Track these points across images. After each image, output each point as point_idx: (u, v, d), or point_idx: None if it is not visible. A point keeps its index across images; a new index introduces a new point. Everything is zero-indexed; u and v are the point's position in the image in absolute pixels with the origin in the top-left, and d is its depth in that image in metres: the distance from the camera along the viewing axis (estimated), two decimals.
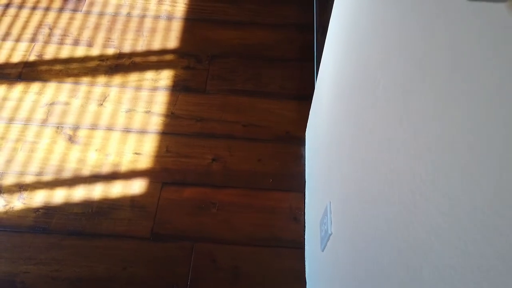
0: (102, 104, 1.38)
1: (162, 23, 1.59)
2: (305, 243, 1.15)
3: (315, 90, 1.14)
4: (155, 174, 1.25)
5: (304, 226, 1.18)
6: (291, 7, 1.64)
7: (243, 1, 1.65)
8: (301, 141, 1.34)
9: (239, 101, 1.42)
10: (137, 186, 1.23)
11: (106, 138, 1.31)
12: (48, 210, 1.18)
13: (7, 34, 1.54)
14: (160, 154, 1.29)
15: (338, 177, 0.76)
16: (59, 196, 1.20)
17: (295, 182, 1.26)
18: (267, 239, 1.16)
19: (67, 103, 1.38)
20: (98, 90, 1.41)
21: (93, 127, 1.34)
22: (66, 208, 1.18)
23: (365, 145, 0.62)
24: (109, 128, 1.33)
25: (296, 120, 1.38)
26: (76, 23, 1.58)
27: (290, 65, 1.51)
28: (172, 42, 1.54)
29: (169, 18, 1.60)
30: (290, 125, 1.37)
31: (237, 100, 1.42)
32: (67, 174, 1.24)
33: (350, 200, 0.68)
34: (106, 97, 1.40)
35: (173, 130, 1.34)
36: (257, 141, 1.34)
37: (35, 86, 1.41)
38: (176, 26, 1.58)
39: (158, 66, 1.48)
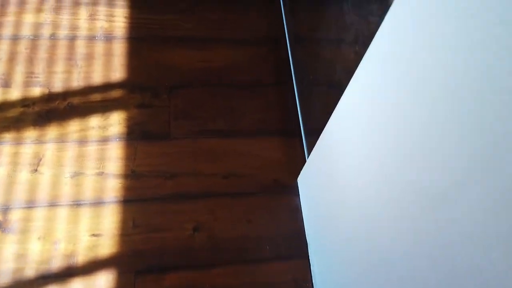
0: (36, 170, 1.06)
1: (99, 46, 1.25)
2: None
3: (324, 132, 0.92)
4: (124, 261, 0.99)
5: None
6: (258, 16, 1.38)
7: (200, 10, 1.35)
8: (293, 189, 1.14)
9: (213, 145, 1.17)
10: (102, 282, 0.96)
11: (50, 218, 1.01)
12: None
13: None
14: (126, 232, 1.02)
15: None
16: None
17: (295, 245, 1.07)
18: None
19: None
20: (28, 149, 1.08)
21: (30, 204, 1.02)
22: None
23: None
24: (52, 204, 1.03)
25: (283, 163, 1.18)
26: None
27: (266, 90, 1.27)
28: (117, 71, 1.22)
29: (108, 38, 1.26)
30: (277, 170, 1.16)
31: (210, 144, 1.17)
32: (3, 278, 0.94)
33: None
34: (40, 159, 1.07)
35: (138, 195, 1.07)
36: (243, 196, 1.12)
37: None
38: (119, 49, 1.25)
39: (104, 107, 1.17)
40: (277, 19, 1.37)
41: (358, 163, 0.75)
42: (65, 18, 1.27)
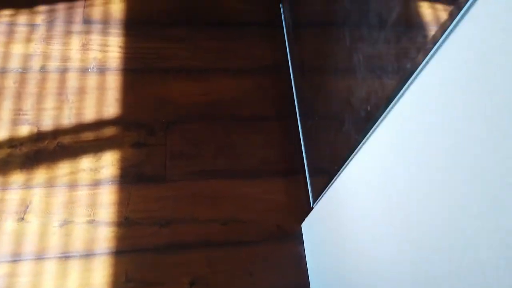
0: (23, 218, 0.99)
1: (92, 79, 1.18)
2: None
3: (337, 180, 0.84)
4: None
5: None
6: (260, 45, 1.30)
7: (198, 38, 1.27)
8: (296, 236, 1.07)
9: (212, 188, 1.10)
10: None
11: (37, 272, 0.95)
12: None
13: None
14: (118, 287, 0.96)
15: None
16: None
17: None
18: None
19: None
20: (14, 195, 1.01)
21: (15, 258, 0.95)
22: None
23: None
24: (39, 257, 0.96)
25: (286, 206, 1.10)
26: None
27: (269, 125, 1.20)
28: (111, 106, 1.15)
29: (101, 70, 1.19)
30: (280, 215, 1.09)
31: (208, 186, 1.10)
32: None
33: None
34: (27, 206, 1.01)
35: (131, 245, 1.00)
36: (243, 245, 1.05)
37: None
38: (113, 82, 1.18)
39: (96, 146, 1.10)
40: (280, 48, 1.30)
41: (375, 223, 0.68)
42: (56, 48, 1.20)
